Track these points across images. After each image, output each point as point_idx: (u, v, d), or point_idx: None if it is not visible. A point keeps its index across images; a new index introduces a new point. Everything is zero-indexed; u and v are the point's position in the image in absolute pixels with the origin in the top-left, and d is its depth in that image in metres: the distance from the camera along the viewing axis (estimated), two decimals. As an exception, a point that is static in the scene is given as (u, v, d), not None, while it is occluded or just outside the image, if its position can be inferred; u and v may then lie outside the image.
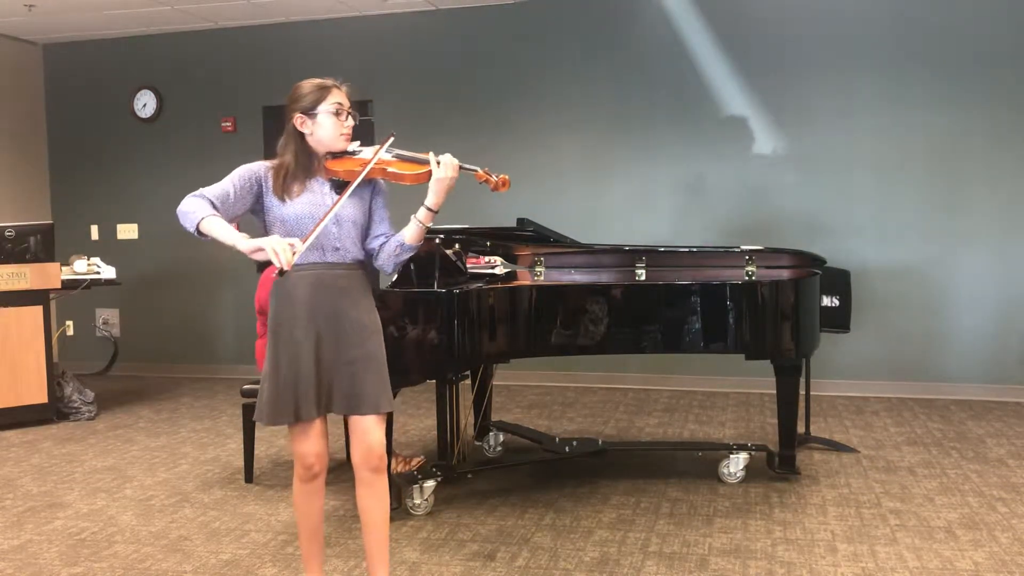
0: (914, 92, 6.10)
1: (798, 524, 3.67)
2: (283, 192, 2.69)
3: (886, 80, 6.14)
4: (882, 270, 6.18)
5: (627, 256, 4.54)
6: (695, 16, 6.42)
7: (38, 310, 5.74)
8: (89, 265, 6.14)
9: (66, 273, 5.99)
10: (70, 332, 7.91)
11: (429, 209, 2.72)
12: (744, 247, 4.50)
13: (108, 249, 7.42)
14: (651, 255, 4.51)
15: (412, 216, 2.74)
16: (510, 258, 4.69)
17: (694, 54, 6.45)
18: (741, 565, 3.25)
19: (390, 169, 2.72)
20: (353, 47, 7.06)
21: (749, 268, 4.38)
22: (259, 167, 2.72)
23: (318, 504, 2.84)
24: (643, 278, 4.46)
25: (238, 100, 7.39)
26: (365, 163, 2.68)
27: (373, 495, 2.77)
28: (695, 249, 4.72)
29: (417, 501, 3.83)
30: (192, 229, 2.56)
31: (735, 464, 4.25)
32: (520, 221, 4.19)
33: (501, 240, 4.41)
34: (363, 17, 7.05)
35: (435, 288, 3.84)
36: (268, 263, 4.39)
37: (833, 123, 6.24)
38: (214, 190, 2.63)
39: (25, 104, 7.73)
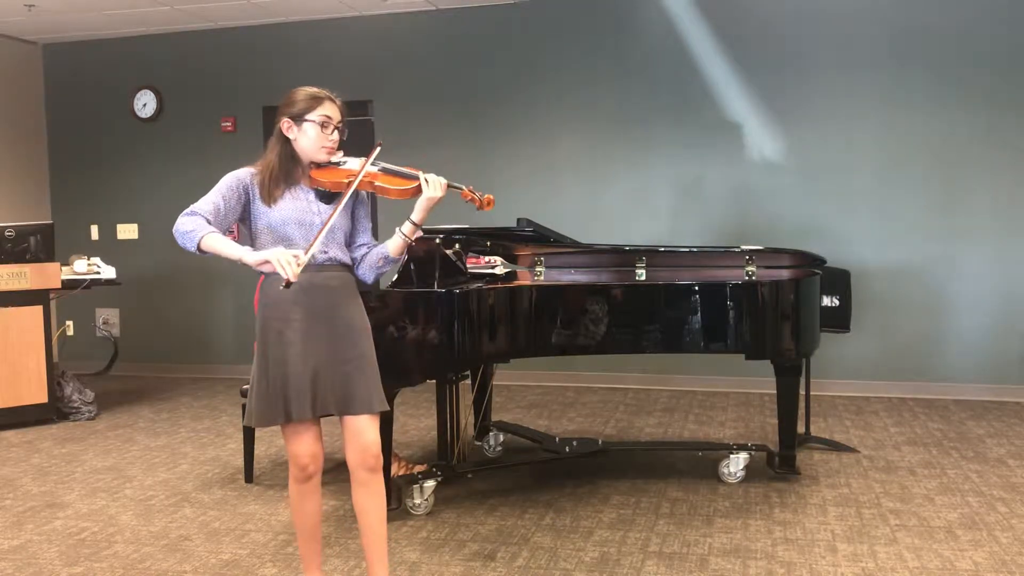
0: (914, 93, 6.10)
1: (798, 524, 3.67)
2: (268, 196, 2.68)
3: (886, 81, 6.14)
4: (882, 270, 6.18)
5: (627, 256, 4.53)
6: (695, 17, 6.42)
7: (38, 310, 5.74)
8: (89, 265, 6.13)
9: (66, 273, 5.98)
10: (70, 332, 7.91)
11: (414, 224, 2.76)
12: (744, 247, 4.49)
13: (108, 249, 7.42)
14: (651, 255, 4.51)
15: (397, 229, 2.77)
16: (510, 258, 4.68)
17: (694, 55, 6.44)
18: (741, 565, 3.25)
19: (377, 183, 2.74)
20: (353, 47, 7.06)
21: (749, 268, 4.38)
22: (245, 175, 2.72)
23: (314, 504, 2.83)
24: (643, 278, 4.45)
25: (238, 100, 7.39)
26: (351, 174, 2.70)
27: (370, 495, 2.74)
28: (695, 249, 4.71)
29: (417, 501, 3.83)
30: (193, 248, 2.57)
31: (735, 464, 4.25)
32: (520, 221, 4.18)
33: (501, 240, 4.41)
34: (363, 17, 7.05)
35: (435, 288, 3.83)
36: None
37: (833, 124, 6.24)
38: (205, 205, 2.62)
39: (25, 104, 7.73)
